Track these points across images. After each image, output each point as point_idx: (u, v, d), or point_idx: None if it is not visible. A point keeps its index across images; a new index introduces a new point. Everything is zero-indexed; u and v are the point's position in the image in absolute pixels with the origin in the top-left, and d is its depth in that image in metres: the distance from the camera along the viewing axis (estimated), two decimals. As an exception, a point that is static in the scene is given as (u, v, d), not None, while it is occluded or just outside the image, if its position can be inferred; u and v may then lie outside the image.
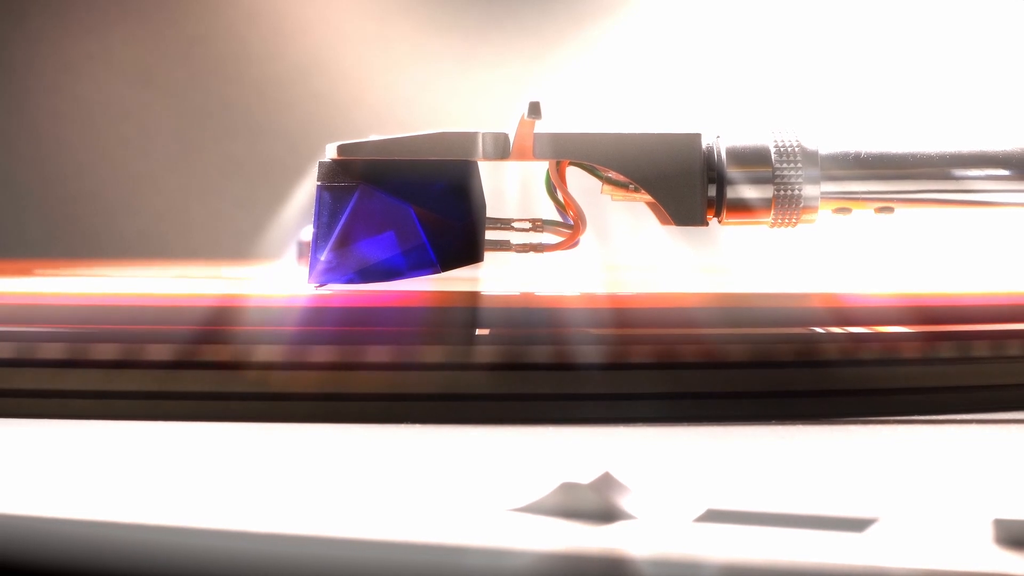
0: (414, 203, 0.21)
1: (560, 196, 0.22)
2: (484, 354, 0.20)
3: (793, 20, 0.53)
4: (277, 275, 0.28)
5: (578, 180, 0.22)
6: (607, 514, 0.14)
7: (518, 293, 0.22)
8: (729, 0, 0.53)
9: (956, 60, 0.52)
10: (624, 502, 0.14)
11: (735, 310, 0.21)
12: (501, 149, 0.21)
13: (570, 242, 0.22)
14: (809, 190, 0.21)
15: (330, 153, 0.22)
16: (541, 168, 0.22)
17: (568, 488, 0.14)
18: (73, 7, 0.56)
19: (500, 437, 0.19)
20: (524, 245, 0.22)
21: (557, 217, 0.22)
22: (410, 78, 0.54)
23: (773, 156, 0.21)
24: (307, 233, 0.23)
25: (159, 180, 0.56)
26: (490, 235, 0.22)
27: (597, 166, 0.22)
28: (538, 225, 0.22)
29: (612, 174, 0.22)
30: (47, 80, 0.56)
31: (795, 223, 0.22)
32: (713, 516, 0.14)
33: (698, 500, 0.14)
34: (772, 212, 0.22)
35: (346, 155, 0.21)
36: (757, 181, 0.21)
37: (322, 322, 0.20)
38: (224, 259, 0.43)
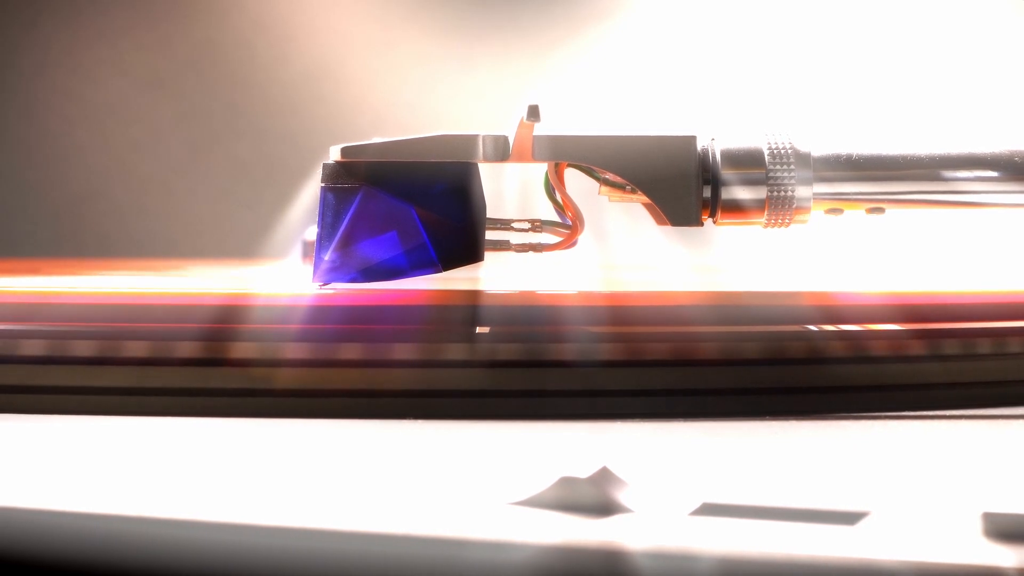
0: (416, 204, 0.22)
1: (559, 197, 0.22)
2: (484, 351, 0.20)
3: (787, 24, 0.53)
4: (282, 274, 0.28)
5: (576, 181, 0.22)
6: (605, 508, 0.14)
7: (518, 292, 0.22)
8: (724, 4, 0.53)
9: (947, 63, 0.52)
10: (622, 496, 0.14)
11: (730, 308, 0.21)
12: (501, 151, 0.22)
13: (568, 242, 0.22)
14: (802, 191, 0.22)
15: (334, 155, 0.22)
16: (540, 170, 0.22)
17: (567, 482, 0.14)
18: (84, 13, 0.56)
19: (500, 432, 0.19)
20: (523, 245, 0.22)
21: (556, 217, 0.22)
22: (411, 82, 0.54)
23: (767, 158, 0.22)
24: (311, 233, 0.23)
25: (167, 182, 0.56)
26: (490, 235, 0.22)
27: (595, 168, 0.22)
28: (537, 225, 0.22)
29: (609, 175, 0.22)
30: (58, 84, 0.56)
31: (788, 223, 0.22)
32: (708, 510, 0.14)
33: (694, 494, 0.14)
34: (766, 213, 0.22)
35: (349, 157, 0.22)
36: (751, 182, 0.22)
37: (326, 320, 0.21)
38: (230, 259, 0.43)
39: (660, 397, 0.21)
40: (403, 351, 0.20)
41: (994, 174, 0.22)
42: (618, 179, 0.22)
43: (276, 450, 0.18)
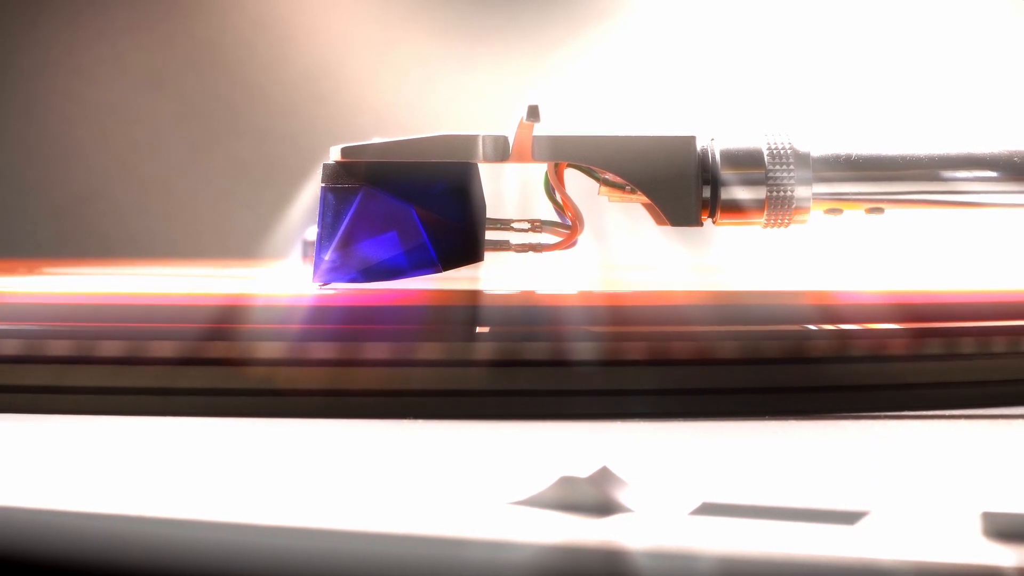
0: (416, 204, 0.22)
1: (558, 197, 0.22)
2: (484, 351, 0.21)
3: (786, 24, 0.53)
4: (282, 274, 0.28)
5: (576, 181, 0.22)
6: (605, 507, 0.14)
7: (517, 292, 0.22)
8: (724, 4, 0.53)
9: (947, 63, 0.52)
10: (621, 496, 0.14)
11: (729, 308, 0.21)
12: (501, 151, 0.22)
13: (568, 242, 0.22)
14: (801, 191, 0.22)
15: (334, 155, 0.22)
16: (540, 170, 0.22)
17: (567, 482, 0.14)
18: (84, 13, 0.56)
19: (500, 432, 0.19)
20: (523, 245, 0.22)
21: (555, 218, 0.22)
22: (412, 82, 0.55)
23: (766, 158, 0.22)
24: (312, 233, 0.23)
25: (168, 182, 0.56)
26: (490, 235, 0.22)
27: (594, 168, 0.22)
28: (537, 225, 0.22)
29: (609, 176, 0.22)
30: (58, 84, 0.56)
31: (787, 224, 0.22)
32: (708, 509, 0.14)
33: (693, 494, 0.14)
34: (765, 213, 0.22)
35: (349, 157, 0.22)
36: (750, 183, 0.22)
37: (326, 320, 0.21)
38: (231, 259, 0.44)
39: (659, 396, 0.21)
40: (403, 351, 0.21)
41: (993, 174, 0.22)
42: (618, 179, 0.22)
43: (276, 450, 0.18)
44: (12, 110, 0.57)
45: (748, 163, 0.22)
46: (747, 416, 0.21)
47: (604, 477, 0.14)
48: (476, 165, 0.22)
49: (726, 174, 0.22)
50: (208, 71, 0.56)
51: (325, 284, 0.22)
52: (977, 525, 0.13)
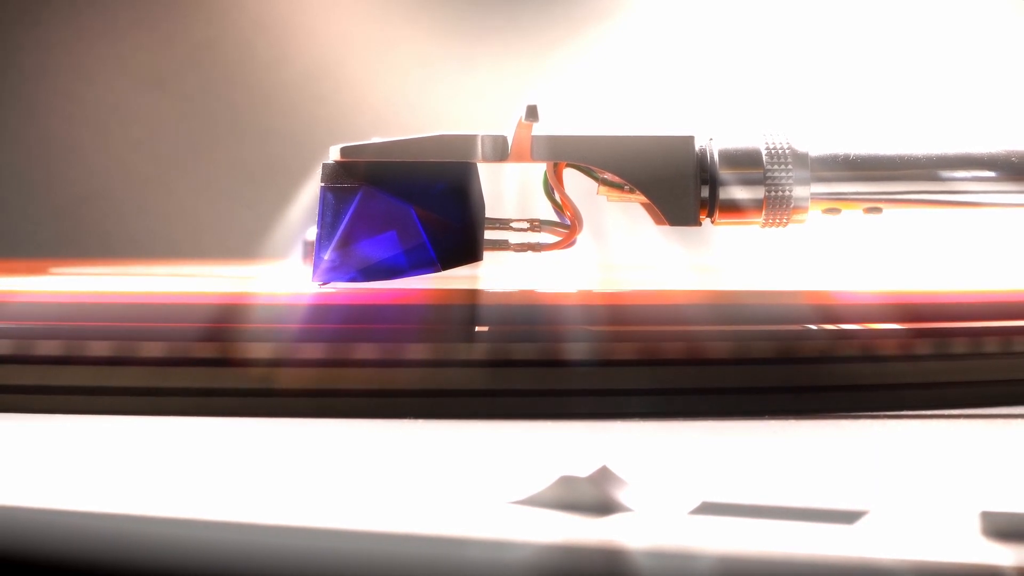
0: (415, 204, 0.22)
1: (557, 197, 0.22)
2: (483, 351, 0.21)
3: (785, 25, 0.53)
4: (283, 274, 0.28)
5: (575, 181, 0.22)
6: (604, 507, 0.14)
7: (516, 291, 0.22)
8: (723, 5, 0.54)
9: (945, 63, 0.52)
10: (621, 495, 0.14)
11: (728, 308, 0.21)
12: (500, 151, 0.22)
13: (567, 242, 0.22)
14: (799, 191, 0.22)
15: (334, 155, 0.22)
16: (539, 169, 0.22)
17: (566, 481, 0.14)
18: (85, 13, 0.56)
19: (500, 432, 0.19)
20: (522, 244, 0.22)
21: (554, 217, 0.22)
22: (411, 82, 0.55)
23: (764, 158, 0.22)
24: (312, 233, 0.23)
25: (168, 181, 0.56)
26: (489, 235, 0.22)
27: (593, 167, 0.22)
28: (536, 225, 0.22)
29: (608, 175, 0.22)
30: (59, 84, 0.56)
31: (785, 223, 0.22)
32: (708, 509, 0.14)
33: (693, 493, 0.14)
34: (763, 213, 0.22)
35: (349, 157, 0.22)
36: (749, 182, 0.22)
37: (326, 319, 0.21)
38: (231, 258, 0.44)
39: (659, 396, 0.21)
40: (402, 350, 0.21)
41: (991, 174, 0.22)
42: (616, 179, 0.22)
43: (276, 450, 0.18)
44: (13, 110, 0.57)
45: (746, 163, 0.22)
46: (747, 416, 0.21)
47: (604, 477, 0.14)
48: (475, 165, 0.22)
49: (724, 174, 0.22)
50: (208, 71, 0.56)
51: (325, 283, 0.22)
52: (976, 525, 0.13)
